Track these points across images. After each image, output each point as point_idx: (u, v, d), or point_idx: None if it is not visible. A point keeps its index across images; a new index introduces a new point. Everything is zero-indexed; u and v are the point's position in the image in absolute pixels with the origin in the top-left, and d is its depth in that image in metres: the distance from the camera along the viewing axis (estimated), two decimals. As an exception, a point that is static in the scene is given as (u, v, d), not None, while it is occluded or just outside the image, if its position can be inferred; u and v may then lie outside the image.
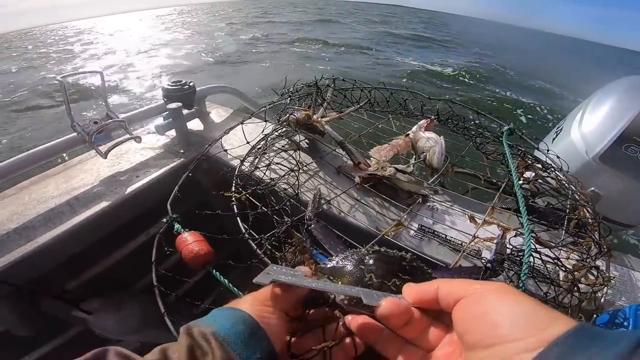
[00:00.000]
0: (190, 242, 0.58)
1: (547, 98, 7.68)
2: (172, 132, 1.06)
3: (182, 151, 1.04)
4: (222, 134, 0.95)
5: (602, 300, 0.65)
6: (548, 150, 0.94)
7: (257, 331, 0.33)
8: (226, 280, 0.54)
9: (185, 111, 1.04)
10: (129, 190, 0.90)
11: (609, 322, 0.61)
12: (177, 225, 0.64)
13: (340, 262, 0.44)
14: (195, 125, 1.18)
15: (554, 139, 1.66)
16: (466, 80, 8.31)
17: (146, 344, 1.13)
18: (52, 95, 6.21)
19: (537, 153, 1.04)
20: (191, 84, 1.07)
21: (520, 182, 0.84)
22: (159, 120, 1.03)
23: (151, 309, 1.04)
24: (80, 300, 0.90)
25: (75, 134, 0.89)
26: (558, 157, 0.91)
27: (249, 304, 0.36)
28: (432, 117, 1.03)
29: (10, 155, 0.86)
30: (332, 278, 0.42)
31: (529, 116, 6.50)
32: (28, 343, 0.95)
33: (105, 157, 0.89)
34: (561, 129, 1.61)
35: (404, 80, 7.49)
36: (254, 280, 0.36)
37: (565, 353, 0.22)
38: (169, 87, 1.05)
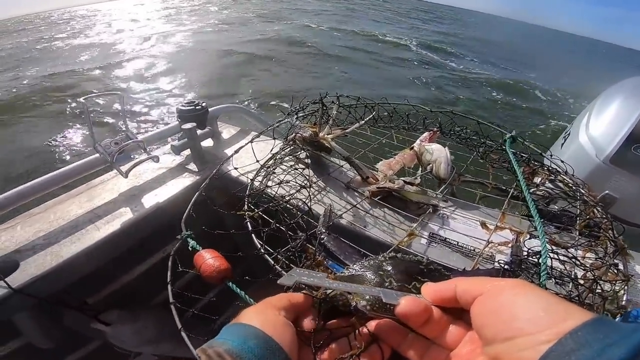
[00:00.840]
0: (209, 258, 0.60)
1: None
2: (187, 151, 1.11)
3: (196, 170, 1.08)
4: (232, 154, 0.99)
5: (624, 300, 0.64)
6: (552, 156, 0.95)
7: (269, 344, 0.33)
8: (243, 293, 0.56)
9: (198, 131, 1.09)
10: (148, 207, 0.94)
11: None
12: (192, 242, 0.66)
13: (359, 270, 0.44)
14: (207, 143, 1.23)
15: (562, 144, 1.66)
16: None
17: (162, 357, 1.15)
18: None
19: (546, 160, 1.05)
20: (203, 104, 1.12)
21: (529, 187, 0.85)
22: (175, 141, 1.08)
23: (167, 322, 1.05)
24: (99, 313, 0.93)
25: (97, 154, 0.94)
26: (562, 162, 0.92)
27: (250, 316, 0.37)
28: (435, 129, 1.06)
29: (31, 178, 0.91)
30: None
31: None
32: (49, 356, 0.97)
33: (127, 177, 0.93)
34: (569, 134, 1.61)
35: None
36: (278, 282, 0.37)
37: (580, 344, 0.22)
38: (183, 108, 1.10)
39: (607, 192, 1.25)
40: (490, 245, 0.75)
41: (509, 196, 0.87)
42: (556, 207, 0.87)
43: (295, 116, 1.04)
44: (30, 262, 0.79)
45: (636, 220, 1.29)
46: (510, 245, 0.74)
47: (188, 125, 1.02)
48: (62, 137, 4.68)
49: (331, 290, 0.40)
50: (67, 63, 8.25)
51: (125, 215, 0.92)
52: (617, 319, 0.61)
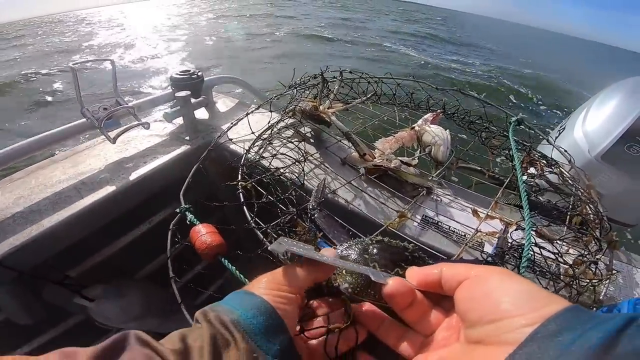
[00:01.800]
0: (204, 233, 0.59)
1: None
2: (179, 120, 1.07)
3: (187, 138, 1.04)
4: (230, 125, 0.95)
5: (602, 295, 0.66)
6: (555, 140, 0.94)
7: (277, 322, 0.32)
8: (234, 268, 0.56)
9: (192, 100, 1.05)
10: (136, 176, 0.90)
11: (606, 315, 0.62)
12: (190, 216, 0.65)
13: (345, 251, 0.44)
14: (201, 114, 1.18)
15: (556, 137, 1.67)
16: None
17: (147, 333, 1.13)
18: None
19: (542, 147, 1.04)
20: (199, 73, 1.08)
21: (524, 177, 0.85)
22: (167, 108, 1.04)
23: (153, 296, 1.05)
24: (82, 288, 0.90)
25: (84, 119, 0.89)
26: (566, 151, 0.92)
27: (265, 288, 0.35)
28: (438, 110, 1.04)
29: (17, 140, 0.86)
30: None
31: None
32: (28, 332, 0.94)
33: (114, 142, 0.89)
34: (564, 128, 1.62)
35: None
36: (269, 248, 0.36)
37: (562, 327, 0.24)
38: (177, 76, 1.06)
39: (588, 190, 1.27)
40: (479, 234, 0.76)
41: (503, 185, 0.87)
42: (548, 200, 0.87)
43: (295, 89, 1.01)
44: (9, 232, 0.74)
45: (618, 217, 1.32)
46: (497, 236, 0.74)
47: (182, 93, 0.98)
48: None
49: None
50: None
51: (111, 183, 0.88)
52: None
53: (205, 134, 1.06)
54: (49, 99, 5.36)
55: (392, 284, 0.34)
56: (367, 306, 0.38)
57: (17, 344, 0.94)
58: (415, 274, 0.36)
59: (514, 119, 0.96)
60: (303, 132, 0.95)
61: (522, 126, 0.97)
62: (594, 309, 0.63)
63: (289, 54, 8.39)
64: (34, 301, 0.86)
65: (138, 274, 1.16)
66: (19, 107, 5.02)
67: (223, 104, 1.27)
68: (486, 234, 0.76)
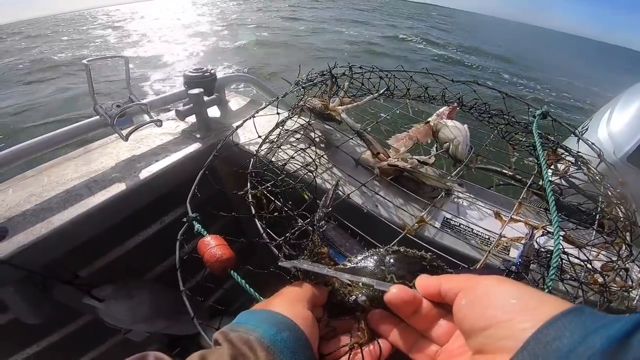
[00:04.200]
0: (213, 246, 0.57)
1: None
2: (192, 118, 1.06)
3: (198, 136, 1.03)
4: (236, 127, 0.94)
5: (635, 301, 0.62)
6: (582, 134, 0.90)
7: (301, 338, 0.32)
8: (244, 282, 0.54)
9: (205, 98, 1.04)
10: (147, 174, 0.89)
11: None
12: (197, 225, 0.62)
13: (361, 263, 0.44)
14: (213, 112, 1.18)
15: (578, 139, 1.62)
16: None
17: (155, 334, 1.12)
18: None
19: (567, 142, 0.99)
20: (212, 71, 1.08)
21: (551, 176, 0.80)
22: (180, 106, 1.03)
23: (163, 298, 1.03)
24: (92, 287, 0.89)
25: (97, 116, 0.89)
26: (595, 145, 0.87)
27: (282, 305, 0.35)
28: (455, 104, 0.99)
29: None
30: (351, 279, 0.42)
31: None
32: (37, 331, 0.94)
33: (127, 140, 0.88)
34: (587, 129, 1.56)
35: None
36: (279, 264, 0.38)
37: (560, 333, 0.22)
38: (190, 74, 1.06)
39: (618, 190, 1.21)
40: (503, 240, 0.72)
41: (527, 185, 0.83)
42: (577, 202, 0.83)
43: (302, 87, 0.99)
44: (19, 229, 0.73)
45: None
46: (523, 241, 0.70)
47: (195, 91, 0.97)
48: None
49: (331, 286, 0.41)
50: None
51: (123, 181, 0.86)
52: None
53: (218, 132, 1.05)
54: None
55: (393, 291, 0.34)
56: (381, 312, 0.37)
57: (27, 343, 0.94)
58: (419, 284, 0.36)
59: (538, 111, 0.90)
60: (313, 135, 0.92)
61: (548, 119, 0.92)
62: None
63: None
64: (43, 301, 0.85)
65: (148, 275, 1.15)
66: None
67: (235, 102, 1.27)
68: (511, 239, 0.72)
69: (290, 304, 0.35)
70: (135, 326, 0.99)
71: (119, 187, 0.85)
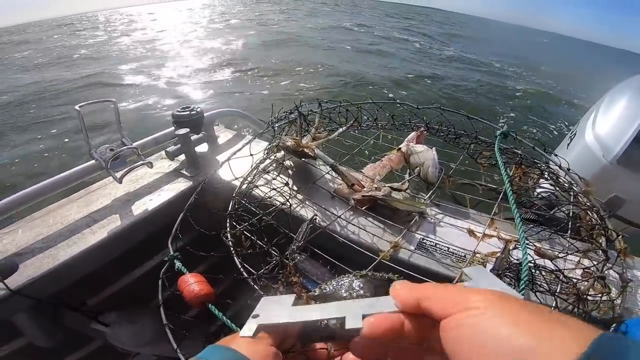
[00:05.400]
0: (192, 282, 0.63)
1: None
2: (183, 156, 1.14)
3: (187, 174, 1.11)
4: (213, 171, 1.01)
5: (619, 308, 0.62)
6: (567, 147, 0.91)
7: None
8: (222, 315, 0.59)
9: (193, 136, 1.11)
10: (142, 212, 0.98)
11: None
12: (178, 263, 0.69)
13: (329, 289, 0.46)
14: (202, 148, 1.25)
15: (568, 144, 1.60)
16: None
17: (162, 357, 1.18)
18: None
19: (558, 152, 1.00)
20: (199, 109, 1.13)
21: (515, 188, 0.82)
22: (170, 146, 1.11)
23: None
24: (98, 314, 0.97)
25: (93, 161, 0.98)
26: (556, 156, 0.88)
27: (245, 343, 0.35)
28: (422, 128, 1.03)
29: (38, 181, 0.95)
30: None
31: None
32: (51, 355, 1.01)
33: (121, 182, 0.96)
34: (575, 134, 1.55)
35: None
36: (240, 334, 0.36)
37: None
38: (178, 113, 1.12)
39: (614, 194, 1.20)
40: (477, 256, 0.74)
41: (498, 200, 0.85)
42: (546, 211, 0.84)
43: (273, 128, 1.04)
44: (29, 265, 0.83)
45: (641, 220, 1.24)
46: (496, 255, 0.72)
47: (182, 131, 1.04)
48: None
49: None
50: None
51: (120, 219, 0.95)
52: (611, 329, 0.59)
53: (206, 170, 1.12)
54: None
55: (367, 326, 0.30)
56: (360, 345, 0.33)
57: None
58: (397, 295, 0.32)
59: (498, 132, 0.94)
60: (288, 173, 0.97)
61: (508, 138, 0.95)
62: (615, 324, 0.59)
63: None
64: (53, 326, 0.94)
65: (151, 303, 1.21)
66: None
67: (224, 136, 1.34)
68: (485, 255, 0.74)
69: (253, 341, 0.35)
70: (142, 349, 1.06)
71: (116, 225, 0.94)
